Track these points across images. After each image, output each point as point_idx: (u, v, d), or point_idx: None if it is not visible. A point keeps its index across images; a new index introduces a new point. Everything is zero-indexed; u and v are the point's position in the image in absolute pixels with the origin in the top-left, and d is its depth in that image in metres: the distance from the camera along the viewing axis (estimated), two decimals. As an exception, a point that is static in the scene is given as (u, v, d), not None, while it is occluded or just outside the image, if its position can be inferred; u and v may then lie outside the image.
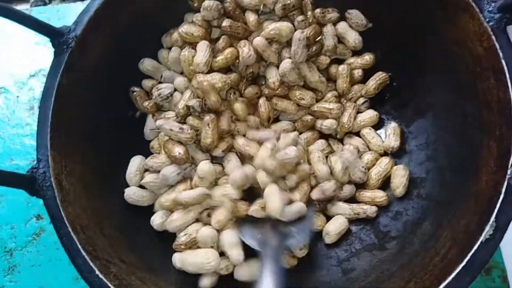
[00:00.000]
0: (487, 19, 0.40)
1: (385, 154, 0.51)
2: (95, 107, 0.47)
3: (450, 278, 0.34)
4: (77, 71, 0.45)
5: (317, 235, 0.48)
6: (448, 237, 0.39)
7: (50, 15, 0.68)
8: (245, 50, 0.49)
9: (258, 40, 0.49)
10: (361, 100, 0.52)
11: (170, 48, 0.52)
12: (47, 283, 0.53)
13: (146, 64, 0.52)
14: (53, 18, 0.68)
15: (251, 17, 0.51)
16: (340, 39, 0.53)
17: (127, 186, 0.49)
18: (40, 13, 0.68)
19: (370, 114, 0.51)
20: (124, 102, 0.52)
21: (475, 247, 0.35)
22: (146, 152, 0.52)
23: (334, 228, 0.47)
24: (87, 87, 0.46)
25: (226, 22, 0.50)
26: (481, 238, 0.35)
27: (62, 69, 0.43)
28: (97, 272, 0.37)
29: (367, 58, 0.53)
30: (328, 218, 0.48)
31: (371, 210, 0.47)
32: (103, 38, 0.47)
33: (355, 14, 0.52)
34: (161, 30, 0.53)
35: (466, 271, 0.34)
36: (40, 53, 0.66)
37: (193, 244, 0.45)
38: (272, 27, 0.50)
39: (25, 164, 0.60)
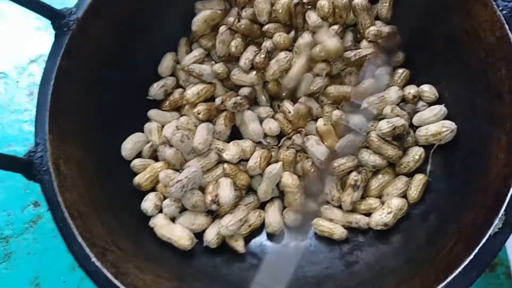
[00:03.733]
0: (501, 8, 0.39)
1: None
2: (96, 92, 0.46)
3: (456, 272, 0.33)
4: (78, 55, 0.44)
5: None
6: (454, 231, 0.38)
7: (51, -2, 0.67)
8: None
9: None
10: None
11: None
12: (43, 271, 0.52)
13: None
14: (55, 1, 0.66)
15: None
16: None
17: (126, 174, 0.48)
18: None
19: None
20: (125, 88, 0.51)
21: (483, 241, 0.34)
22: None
23: None
24: (88, 71, 0.45)
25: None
26: (490, 232, 0.34)
27: (63, 52, 0.42)
28: (94, 259, 0.36)
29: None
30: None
31: (364, 221, 0.45)
32: (104, 22, 0.46)
33: None
34: (164, 15, 0.52)
35: (473, 265, 0.33)
36: (40, 39, 0.65)
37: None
38: None
39: (23, 150, 0.57)
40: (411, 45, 0.50)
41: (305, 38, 0.49)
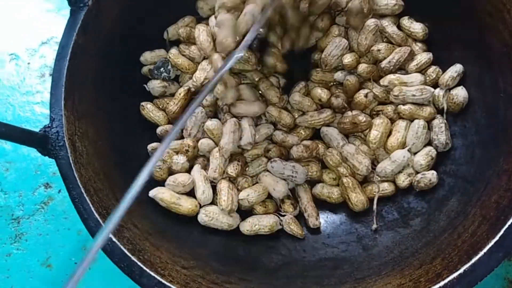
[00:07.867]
0: (527, -12, 0.38)
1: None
2: (111, 69, 0.45)
3: (481, 253, 0.32)
4: (93, 30, 0.43)
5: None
6: (477, 214, 0.37)
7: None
8: None
9: None
10: None
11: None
12: (54, 252, 0.51)
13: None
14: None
15: None
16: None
17: (139, 152, 0.47)
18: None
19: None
20: (139, 65, 0.50)
21: (509, 223, 0.33)
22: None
23: None
24: (103, 48, 0.44)
25: None
26: (516, 214, 0.33)
27: (78, 28, 0.42)
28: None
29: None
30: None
31: None
32: (120, -1, 0.45)
33: None
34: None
35: (499, 246, 0.32)
36: (51, 21, 0.64)
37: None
38: None
39: (35, 132, 0.58)
40: (432, 28, 0.49)
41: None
